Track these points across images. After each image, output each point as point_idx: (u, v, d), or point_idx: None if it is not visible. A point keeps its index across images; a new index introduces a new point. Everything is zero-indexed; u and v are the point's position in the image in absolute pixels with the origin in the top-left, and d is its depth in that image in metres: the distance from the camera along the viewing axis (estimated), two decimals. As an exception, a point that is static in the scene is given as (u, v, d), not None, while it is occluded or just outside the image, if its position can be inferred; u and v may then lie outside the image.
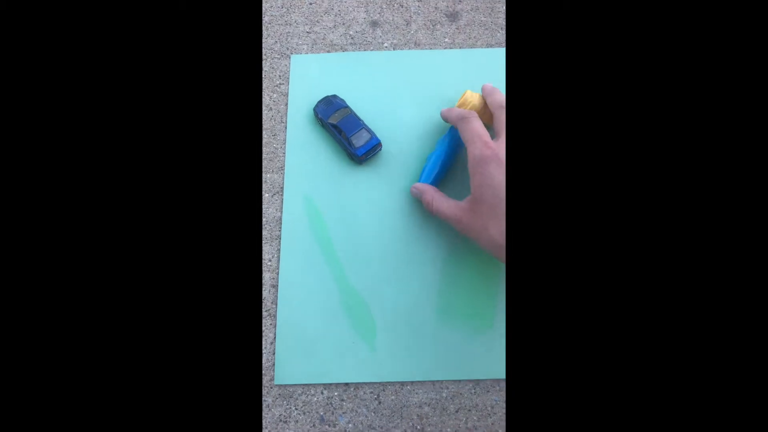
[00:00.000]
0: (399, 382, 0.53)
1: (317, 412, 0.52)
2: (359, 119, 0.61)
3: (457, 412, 0.52)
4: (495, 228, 0.47)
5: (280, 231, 0.58)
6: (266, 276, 0.57)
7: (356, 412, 0.52)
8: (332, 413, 0.52)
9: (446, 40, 0.68)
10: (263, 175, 0.61)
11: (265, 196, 0.60)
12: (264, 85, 0.65)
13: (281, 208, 0.59)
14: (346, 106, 0.61)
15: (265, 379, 0.53)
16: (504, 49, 0.67)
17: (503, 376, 0.53)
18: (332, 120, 0.60)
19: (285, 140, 0.62)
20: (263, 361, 0.54)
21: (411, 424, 0.52)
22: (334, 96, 0.62)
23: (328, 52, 0.67)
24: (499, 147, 0.48)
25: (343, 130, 0.59)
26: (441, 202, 0.54)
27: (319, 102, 0.62)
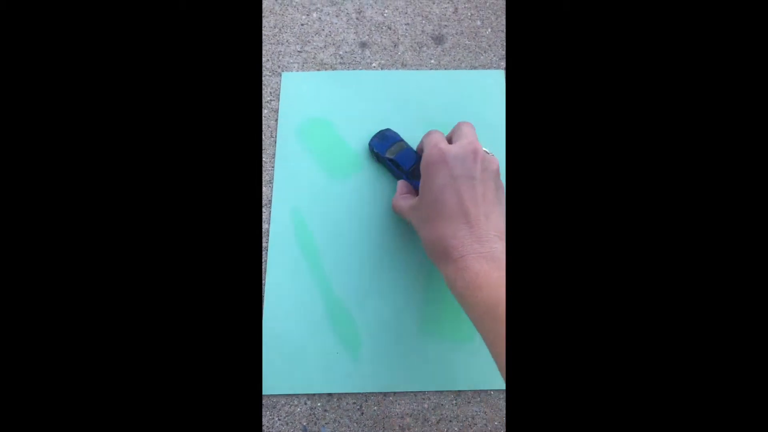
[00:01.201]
0: (381, 393, 0.54)
1: (300, 423, 0.53)
2: (415, 152, 0.61)
3: (438, 422, 0.53)
4: (426, 230, 0.48)
5: (267, 242, 0.59)
6: (252, 286, 0.58)
7: (339, 422, 0.53)
8: (315, 423, 0.53)
9: (432, 61, 0.71)
10: (252, 187, 0.62)
11: (254, 208, 0.61)
12: (255, 101, 0.67)
13: (269, 219, 0.60)
14: (401, 140, 0.62)
15: (248, 389, 0.54)
16: (487, 71, 0.70)
17: (483, 387, 0.54)
18: (389, 154, 0.61)
19: (274, 154, 0.64)
20: (247, 371, 0.54)
21: (393, 434, 0.52)
22: (388, 129, 0.63)
23: (318, 70, 0.69)
24: (449, 149, 0.49)
25: (401, 165, 0.60)
26: (399, 199, 0.55)
27: (374, 136, 0.63)
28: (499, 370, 0.41)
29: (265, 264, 0.58)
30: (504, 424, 0.53)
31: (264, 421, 0.53)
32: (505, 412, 0.54)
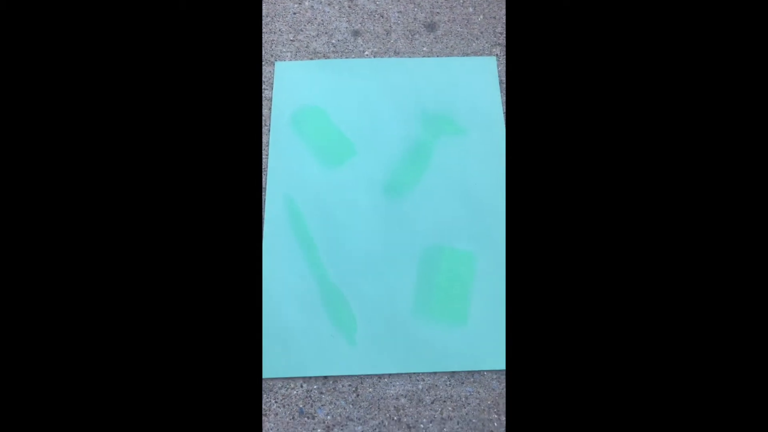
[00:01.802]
0: (376, 375, 0.55)
1: (296, 405, 0.54)
2: None
3: (432, 403, 0.54)
4: None
5: (262, 229, 0.60)
6: (248, 273, 0.58)
7: (335, 404, 0.54)
8: (311, 406, 0.54)
9: (424, 49, 0.71)
10: (246, 175, 0.63)
11: (248, 196, 0.62)
12: (248, 90, 0.67)
13: (263, 208, 0.61)
14: None
15: (245, 373, 0.55)
16: (479, 57, 0.71)
17: (477, 368, 0.55)
18: None
19: (268, 143, 0.64)
20: (244, 355, 0.55)
21: (388, 415, 0.53)
22: None
23: (311, 59, 0.70)
24: None
25: None
26: None
27: None
28: None
29: (260, 251, 0.59)
30: (497, 404, 0.54)
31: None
32: (498, 392, 0.54)
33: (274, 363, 0.55)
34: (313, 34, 0.71)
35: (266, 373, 0.54)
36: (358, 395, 0.54)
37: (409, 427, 0.53)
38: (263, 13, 0.72)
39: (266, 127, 0.65)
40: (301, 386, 0.54)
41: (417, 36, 0.72)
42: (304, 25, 0.72)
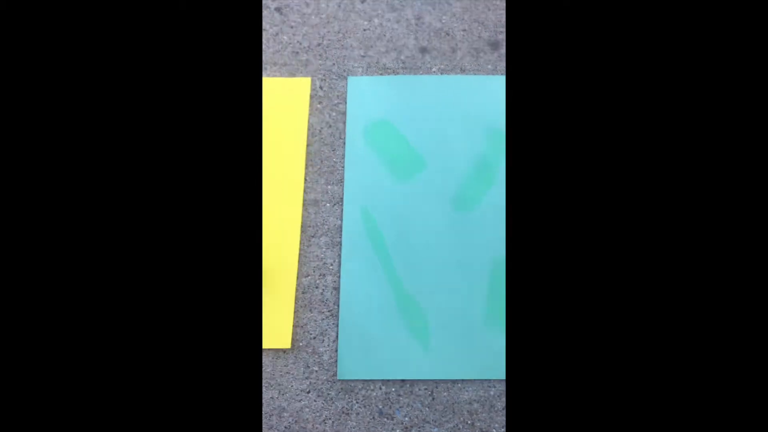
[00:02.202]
0: (451, 380, 0.58)
1: (376, 406, 0.57)
2: None
3: (503, 409, 0.57)
4: None
5: (340, 238, 0.63)
6: (328, 279, 0.62)
7: (412, 406, 0.57)
8: (390, 407, 0.57)
9: (489, 66, 0.74)
10: (324, 186, 0.66)
11: (327, 205, 0.65)
12: (324, 104, 0.71)
13: (341, 216, 0.64)
14: None
15: (329, 374, 0.58)
16: (542, 76, 0.73)
17: (546, 376, 0.58)
18: None
19: (344, 155, 0.67)
20: (327, 358, 0.58)
21: (462, 419, 0.56)
22: None
23: (381, 74, 0.73)
24: None
25: None
26: None
27: None
28: None
29: (340, 258, 0.62)
30: (566, 411, 0.57)
31: (343, 403, 0.57)
32: (566, 400, 0.57)
33: (354, 365, 0.58)
34: (383, 50, 0.74)
35: (348, 375, 0.58)
36: (433, 399, 0.57)
37: (482, 431, 0.56)
38: (336, 30, 0.75)
39: (342, 140, 0.68)
40: (380, 388, 0.58)
41: (482, 54, 0.74)
42: (374, 42, 0.75)
